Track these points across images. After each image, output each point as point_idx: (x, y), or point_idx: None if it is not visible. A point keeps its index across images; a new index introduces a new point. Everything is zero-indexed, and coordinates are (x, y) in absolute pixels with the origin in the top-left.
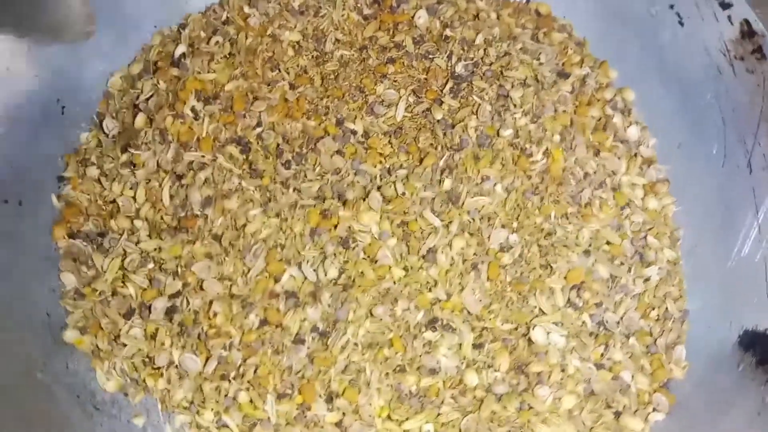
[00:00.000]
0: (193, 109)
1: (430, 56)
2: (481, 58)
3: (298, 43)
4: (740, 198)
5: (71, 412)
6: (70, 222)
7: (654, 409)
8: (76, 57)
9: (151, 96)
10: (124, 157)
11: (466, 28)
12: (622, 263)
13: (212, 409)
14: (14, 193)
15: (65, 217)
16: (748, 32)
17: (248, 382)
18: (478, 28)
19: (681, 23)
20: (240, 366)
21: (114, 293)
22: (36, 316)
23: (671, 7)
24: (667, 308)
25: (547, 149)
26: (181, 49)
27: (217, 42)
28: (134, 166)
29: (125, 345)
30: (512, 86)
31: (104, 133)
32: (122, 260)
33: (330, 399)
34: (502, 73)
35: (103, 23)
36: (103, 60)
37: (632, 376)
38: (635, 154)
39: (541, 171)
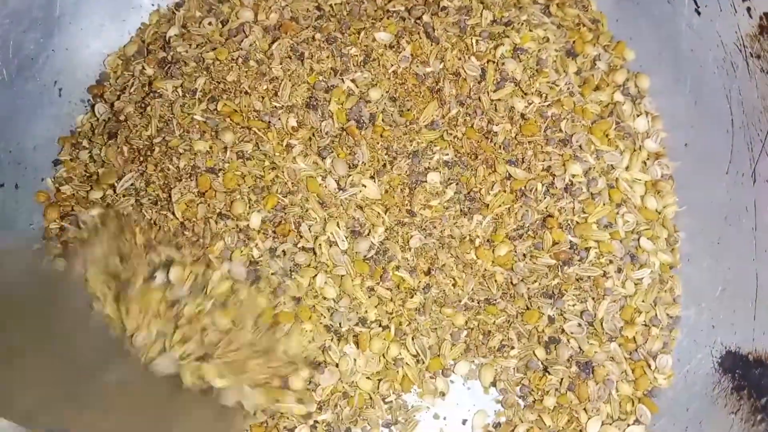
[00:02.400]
0: None
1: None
2: (477, 23)
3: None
4: (741, 209)
5: None
6: (62, 205)
7: (636, 421)
8: (74, 36)
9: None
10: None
11: None
12: (610, 262)
13: None
14: (11, 176)
15: (58, 199)
16: (767, 27)
17: None
18: None
19: (698, 12)
20: None
21: None
22: None
23: None
24: (656, 314)
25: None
26: (174, 31)
27: (210, 23)
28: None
29: None
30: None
31: (95, 116)
32: None
33: None
34: (500, 35)
35: (102, 1)
36: (102, 40)
37: (615, 384)
38: (639, 148)
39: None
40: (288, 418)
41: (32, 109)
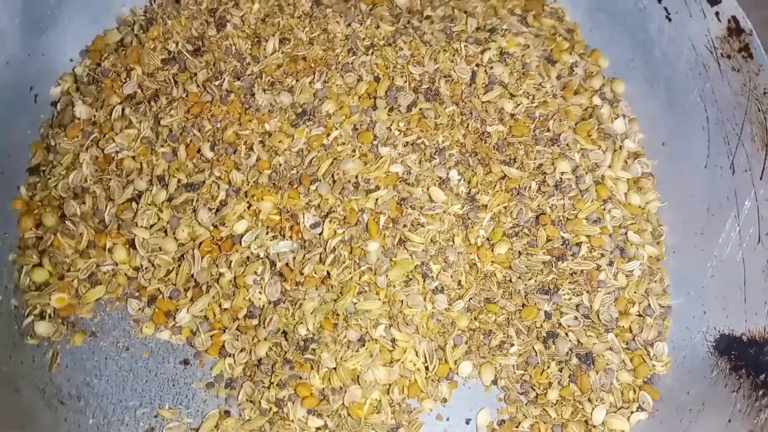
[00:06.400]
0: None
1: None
2: (463, 30)
3: None
4: (722, 199)
5: (36, 405)
6: (37, 213)
7: (639, 408)
8: (48, 41)
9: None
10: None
11: (448, 8)
12: (602, 255)
13: None
14: None
15: (32, 207)
16: (735, 30)
17: None
18: (460, 7)
19: (669, 18)
20: None
21: None
22: (3, 307)
23: (659, 1)
24: (649, 304)
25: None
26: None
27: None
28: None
29: None
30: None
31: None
32: None
33: None
34: (486, 40)
35: (81, 7)
36: (80, 46)
37: (615, 373)
38: (620, 147)
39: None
40: (288, 425)
41: (7, 116)
